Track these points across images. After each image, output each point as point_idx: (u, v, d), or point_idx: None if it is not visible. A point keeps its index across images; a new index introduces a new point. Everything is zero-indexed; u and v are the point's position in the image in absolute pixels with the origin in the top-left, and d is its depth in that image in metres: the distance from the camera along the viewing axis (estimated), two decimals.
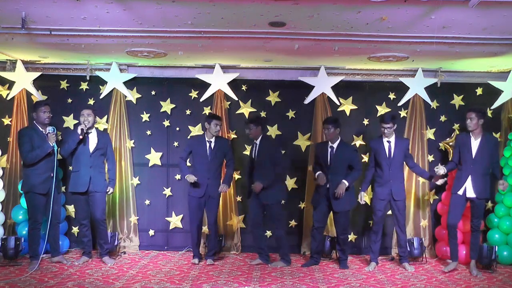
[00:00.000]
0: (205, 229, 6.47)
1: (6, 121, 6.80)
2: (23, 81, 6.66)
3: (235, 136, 6.89)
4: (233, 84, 6.79)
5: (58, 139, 5.84)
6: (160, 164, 6.94)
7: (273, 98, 6.93)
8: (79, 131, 5.76)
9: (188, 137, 6.82)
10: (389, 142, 5.90)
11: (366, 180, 6.07)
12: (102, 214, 5.99)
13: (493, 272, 5.76)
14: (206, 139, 6.03)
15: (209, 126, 5.98)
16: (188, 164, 6.34)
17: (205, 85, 6.77)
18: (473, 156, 5.69)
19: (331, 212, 5.99)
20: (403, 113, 6.88)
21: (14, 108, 6.70)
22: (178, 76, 6.93)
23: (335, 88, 6.79)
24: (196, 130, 6.88)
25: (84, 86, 6.89)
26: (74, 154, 5.87)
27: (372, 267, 5.93)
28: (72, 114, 6.83)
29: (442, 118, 6.87)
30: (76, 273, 5.54)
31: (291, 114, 6.90)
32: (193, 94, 6.92)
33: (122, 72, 6.83)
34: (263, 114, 6.87)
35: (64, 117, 6.84)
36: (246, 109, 6.90)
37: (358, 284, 5.26)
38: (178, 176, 6.84)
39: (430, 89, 6.77)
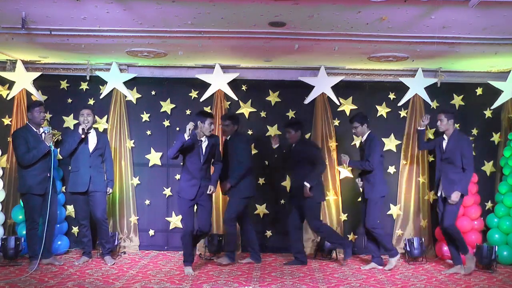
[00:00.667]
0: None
1: (6, 121, 6.81)
2: (23, 81, 6.66)
3: None
4: (233, 84, 6.79)
5: (53, 140, 5.81)
6: (160, 164, 6.94)
7: (273, 98, 6.93)
8: (80, 130, 5.76)
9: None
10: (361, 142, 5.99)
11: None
12: (103, 213, 5.98)
13: (493, 272, 5.75)
14: (198, 138, 5.53)
15: (202, 125, 5.49)
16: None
17: (205, 85, 6.78)
18: (442, 156, 5.75)
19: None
20: (403, 113, 6.88)
21: (14, 108, 6.71)
22: (178, 76, 6.94)
23: (335, 88, 6.79)
24: None
25: (84, 86, 6.90)
26: (74, 154, 5.86)
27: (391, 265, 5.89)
28: (72, 114, 6.84)
29: None
30: (76, 273, 5.53)
31: (291, 114, 6.90)
32: (193, 94, 6.92)
33: (122, 72, 6.84)
34: (263, 114, 6.89)
35: (64, 117, 6.85)
36: (246, 109, 6.91)
37: (358, 284, 5.26)
38: (178, 176, 6.83)
39: (430, 89, 6.77)
